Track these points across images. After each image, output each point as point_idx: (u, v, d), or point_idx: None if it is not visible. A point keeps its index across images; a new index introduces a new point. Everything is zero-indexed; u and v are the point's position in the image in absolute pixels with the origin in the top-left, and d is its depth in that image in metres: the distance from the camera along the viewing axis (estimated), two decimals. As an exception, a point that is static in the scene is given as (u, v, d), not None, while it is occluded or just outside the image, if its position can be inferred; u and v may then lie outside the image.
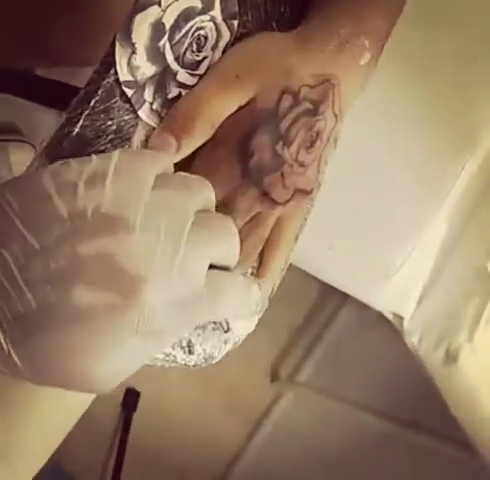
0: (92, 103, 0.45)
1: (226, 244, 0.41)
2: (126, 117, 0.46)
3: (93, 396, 0.74)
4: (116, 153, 0.38)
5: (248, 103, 0.48)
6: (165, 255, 0.36)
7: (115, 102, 0.45)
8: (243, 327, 0.50)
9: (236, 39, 0.50)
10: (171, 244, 0.36)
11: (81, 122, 0.44)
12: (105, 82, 0.45)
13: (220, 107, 0.48)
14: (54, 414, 0.64)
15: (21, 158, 1.18)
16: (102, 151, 0.45)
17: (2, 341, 0.35)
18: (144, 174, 0.38)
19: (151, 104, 0.47)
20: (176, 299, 0.37)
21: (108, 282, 0.35)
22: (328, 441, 1.62)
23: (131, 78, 0.45)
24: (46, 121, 1.17)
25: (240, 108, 0.48)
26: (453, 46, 0.93)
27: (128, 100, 0.46)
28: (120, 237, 0.35)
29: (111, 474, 1.40)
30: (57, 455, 0.66)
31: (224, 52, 0.50)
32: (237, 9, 0.49)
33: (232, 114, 0.48)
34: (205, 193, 0.41)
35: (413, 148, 0.95)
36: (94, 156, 0.38)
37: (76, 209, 0.36)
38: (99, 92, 0.45)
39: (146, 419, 1.44)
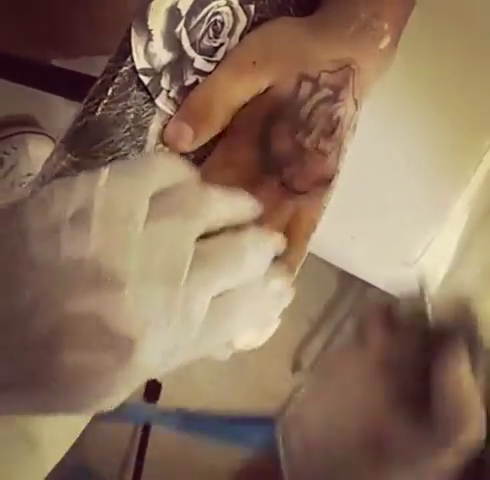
0: (109, 92, 0.44)
1: (232, 272, 0.37)
2: (143, 105, 0.46)
3: None
4: (105, 173, 0.34)
5: (266, 90, 0.47)
6: (161, 308, 0.33)
7: (132, 90, 0.45)
8: (248, 342, 0.46)
9: (253, 24, 0.49)
10: (169, 291, 0.33)
11: (99, 111, 0.44)
12: (122, 70, 0.44)
13: (237, 94, 0.47)
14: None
15: (39, 149, 1.19)
16: (121, 140, 0.45)
17: None
18: (136, 202, 0.33)
19: (168, 92, 0.46)
20: (174, 346, 0.34)
21: (99, 344, 0.32)
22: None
23: (148, 65, 0.44)
24: (64, 112, 1.17)
25: (258, 95, 0.47)
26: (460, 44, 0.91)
27: (145, 88, 0.45)
28: (110, 296, 0.31)
29: (133, 466, 1.40)
30: (79, 449, 0.66)
31: (241, 38, 0.49)
32: (254, -7, 0.48)
33: (250, 101, 0.47)
34: (209, 214, 0.37)
35: (433, 138, 0.93)
36: (80, 177, 0.34)
37: (54, 258, 0.32)
38: (116, 80, 0.44)
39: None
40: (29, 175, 1.17)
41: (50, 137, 1.18)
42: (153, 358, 0.33)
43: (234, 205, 0.40)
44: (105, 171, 0.34)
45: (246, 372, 1.49)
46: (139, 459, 1.41)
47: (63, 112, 1.16)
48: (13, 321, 0.31)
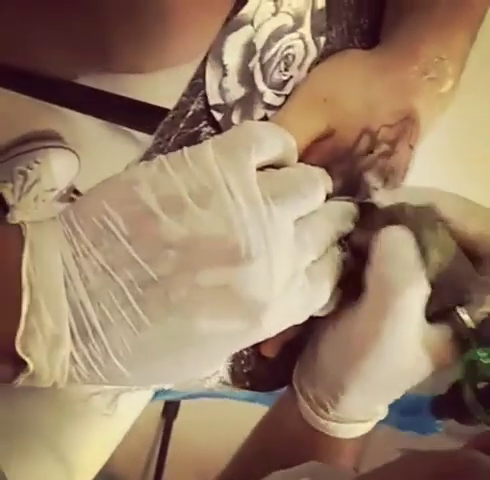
0: (180, 128, 0.42)
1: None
2: (212, 141, 0.44)
3: (143, 407, 0.73)
4: (209, 149, 0.36)
5: (328, 135, 0.47)
6: (281, 278, 0.35)
7: (203, 126, 0.43)
8: None
9: (321, 56, 0.48)
10: (284, 266, 0.36)
11: (169, 147, 0.42)
12: (194, 106, 0.43)
13: (306, 129, 0.46)
14: (101, 432, 0.63)
15: (62, 164, 1.17)
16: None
17: (117, 364, 0.34)
18: (249, 183, 0.35)
19: (237, 127, 0.45)
20: (288, 310, 0.37)
21: (230, 311, 0.34)
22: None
23: (221, 101, 0.43)
24: (88, 129, 1.15)
25: (318, 142, 0.46)
26: None
27: (216, 124, 0.44)
28: (238, 268, 0.34)
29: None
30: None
31: (309, 70, 0.48)
32: (325, 25, 0.46)
33: (310, 147, 0.46)
34: (319, 198, 0.39)
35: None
36: (185, 150, 0.36)
37: (186, 234, 0.34)
38: (187, 116, 0.43)
39: (186, 427, 1.43)
40: (52, 190, 1.16)
41: (73, 152, 1.17)
42: (274, 323, 0.36)
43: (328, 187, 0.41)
44: (209, 147, 0.35)
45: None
46: (158, 472, 1.39)
47: (86, 127, 1.15)
48: (153, 289, 0.33)
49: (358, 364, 0.41)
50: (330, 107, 0.46)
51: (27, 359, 0.33)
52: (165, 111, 0.46)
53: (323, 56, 0.48)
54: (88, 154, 1.18)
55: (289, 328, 0.38)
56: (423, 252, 0.40)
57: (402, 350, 0.40)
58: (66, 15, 0.73)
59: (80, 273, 0.34)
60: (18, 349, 0.33)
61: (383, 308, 0.40)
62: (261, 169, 0.37)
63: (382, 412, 0.46)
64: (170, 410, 1.45)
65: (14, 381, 0.34)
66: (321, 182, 0.39)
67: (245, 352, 0.52)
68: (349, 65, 0.47)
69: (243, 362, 0.53)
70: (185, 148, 0.36)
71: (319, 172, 0.40)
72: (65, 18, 0.73)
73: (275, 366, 0.54)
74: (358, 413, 0.45)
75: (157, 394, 0.96)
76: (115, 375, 0.35)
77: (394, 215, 0.42)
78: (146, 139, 1.03)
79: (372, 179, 0.44)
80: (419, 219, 0.41)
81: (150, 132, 0.46)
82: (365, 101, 0.47)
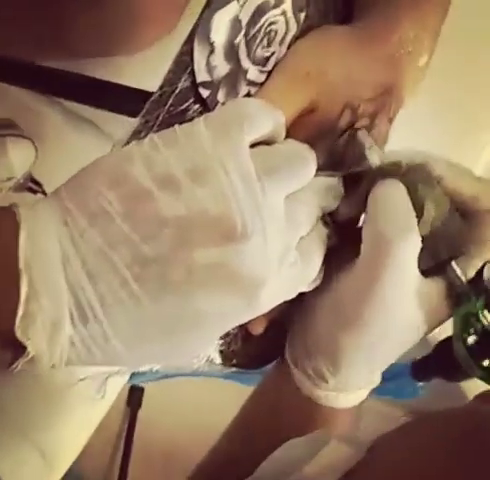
0: (168, 105, 0.42)
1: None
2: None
3: (114, 397, 0.73)
4: (202, 128, 0.35)
5: (311, 110, 0.47)
6: (275, 254, 0.36)
7: (190, 104, 0.43)
8: None
9: (301, 32, 0.48)
10: (278, 242, 0.36)
11: (157, 126, 0.42)
12: (181, 83, 0.42)
13: (289, 104, 0.46)
14: (84, 416, 0.63)
15: (20, 152, 1.15)
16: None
17: (116, 345, 0.34)
18: (243, 157, 0.35)
19: (223, 104, 0.45)
20: (281, 286, 0.38)
21: (228, 289, 0.34)
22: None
23: (208, 78, 0.43)
24: (47, 117, 1.13)
25: (301, 117, 0.47)
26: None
27: (202, 101, 0.43)
28: (236, 246, 0.34)
29: (118, 472, 1.38)
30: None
31: (289, 46, 0.48)
32: (305, 1, 0.47)
33: (293, 124, 0.46)
34: (310, 175, 0.39)
35: (433, 135, 0.94)
36: (181, 130, 0.35)
37: (181, 212, 0.34)
38: (175, 93, 0.42)
39: (151, 415, 1.43)
40: (9, 179, 1.13)
41: (30, 139, 1.14)
42: (268, 299, 0.36)
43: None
44: (202, 125, 0.35)
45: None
46: (124, 461, 1.39)
47: (45, 115, 1.13)
48: (150, 268, 0.33)
49: (356, 325, 0.42)
50: (313, 81, 0.46)
51: (27, 343, 0.32)
52: (140, 92, 0.45)
53: (302, 32, 0.48)
54: (47, 143, 1.15)
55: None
56: (418, 206, 0.41)
57: (399, 304, 0.41)
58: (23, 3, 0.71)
59: (77, 254, 0.33)
60: (18, 334, 0.32)
61: (377, 264, 0.40)
62: (252, 146, 0.38)
63: (377, 379, 0.47)
64: (134, 399, 1.44)
65: (13, 366, 0.34)
66: (311, 158, 0.39)
67: (231, 330, 0.53)
68: (329, 40, 0.48)
69: (229, 340, 0.53)
70: (177, 126, 0.36)
71: (307, 148, 0.41)
72: (23, 3, 0.71)
73: (261, 343, 0.54)
74: (357, 380, 0.46)
75: (132, 376, 0.96)
76: (114, 356, 0.35)
77: (388, 173, 0.42)
78: (110, 127, 1.02)
79: (366, 138, 0.44)
80: (414, 175, 0.42)
81: (130, 115, 0.46)
82: (346, 75, 0.47)
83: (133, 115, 0.44)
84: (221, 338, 0.52)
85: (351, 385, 0.46)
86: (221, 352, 0.53)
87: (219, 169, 0.34)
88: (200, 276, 0.34)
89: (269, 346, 0.54)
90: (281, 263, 0.36)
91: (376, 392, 0.48)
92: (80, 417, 0.63)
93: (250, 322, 0.51)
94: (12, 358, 0.33)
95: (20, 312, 0.32)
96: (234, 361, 0.54)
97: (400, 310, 0.41)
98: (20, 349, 0.33)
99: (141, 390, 1.44)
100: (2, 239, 0.33)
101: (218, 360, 0.53)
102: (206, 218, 0.34)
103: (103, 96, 0.73)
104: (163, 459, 1.42)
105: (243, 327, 0.52)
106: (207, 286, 0.34)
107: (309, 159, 0.39)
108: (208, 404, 1.44)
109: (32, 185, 1.17)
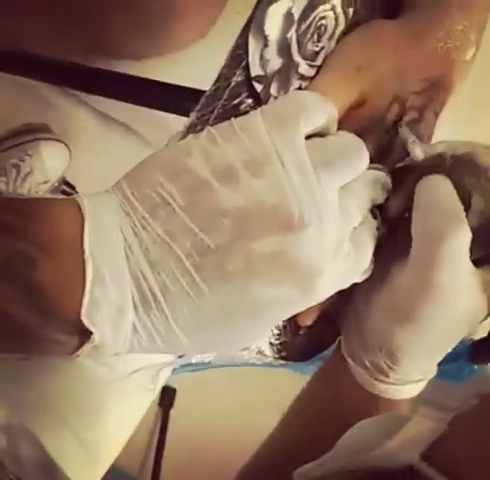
0: (223, 99, 0.43)
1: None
2: (252, 113, 0.45)
3: (154, 396, 0.74)
4: (259, 120, 0.36)
5: (360, 103, 0.48)
6: (331, 244, 0.36)
7: (244, 98, 0.44)
8: None
9: (348, 27, 0.49)
10: (333, 232, 0.36)
11: (212, 120, 0.43)
12: (236, 78, 0.43)
13: (340, 98, 0.47)
14: (125, 414, 0.64)
15: (54, 156, 1.16)
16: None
17: (177, 332, 0.35)
18: (299, 151, 0.35)
19: (276, 98, 0.45)
20: (336, 276, 0.38)
21: (285, 278, 0.35)
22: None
23: (262, 72, 0.44)
24: (80, 120, 1.15)
25: (350, 110, 0.47)
26: None
27: (256, 95, 0.44)
28: (293, 235, 0.34)
29: (151, 471, 1.39)
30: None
31: (337, 41, 0.49)
32: (354, -4, 0.48)
33: (343, 117, 0.47)
34: (362, 167, 0.39)
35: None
36: (234, 121, 0.36)
37: (240, 203, 0.34)
38: (229, 88, 0.43)
39: (184, 416, 1.43)
40: (45, 182, 1.15)
41: (63, 143, 1.16)
42: (325, 287, 0.37)
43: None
44: (258, 117, 0.36)
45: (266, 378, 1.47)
46: (157, 461, 1.39)
47: (78, 118, 1.14)
48: (210, 258, 0.34)
49: (414, 320, 0.42)
50: (363, 76, 0.47)
51: (93, 329, 0.33)
52: (188, 90, 0.46)
53: (349, 27, 0.49)
54: (79, 145, 1.17)
55: None
56: (465, 198, 0.41)
57: (455, 296, 0.41)
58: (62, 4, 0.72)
59: (140, 244, 0.34)
60: (84, 320, 0.33)
61: (430, 257, 0.41)
62: (307, 138, 0.38)
63: (435, 368, 0.47)
64: (167, 399, 1.45)
65: (77, 352, 0.35)
66: (364, 150, 0.40)
67: (281, 322, 0.53)
68: (378, 34, 0.48)
69: (279, 332, 0.54)
70: (233, 119, 0.37)
71: (359, 140, 0.41)
72: (56, 4, 0.72)
73: (310, 335, 0.55)
74: (417, 372, 0.46)
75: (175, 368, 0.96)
76: (174, 343, 0.36)
77: (433, 166, 0.42)
78: (142, 129, 1.03)
79: (409, 134, 0.45)
80: (460, 167, 0.42)
81: (180, 113, 0.46)
82: (395, 69, 0.48)
83: (183, 113, 0.45)
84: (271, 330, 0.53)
85: (411, 378, 0.46)
86: (271, 344, 0.53)
87: (276, 161, 0.35)
88: (258, 266, 0.34)
89: (317, 338, 0.54)
90: (336, 253, 0.37)
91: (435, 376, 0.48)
92: (126, 410, 0.63)
93: (301, 313, 0.52)
94: (77, 345, 0.34)
95: (86, 299, 0.33)
96: (283, 353, 0.54)
97: (456, 302, 0.41)
98: (85, 335, 0.34)
99: (173, 390, 1.45)
100: (67, 229, 0.34)
101: (268, 352, 0.53)
102: (264, 209, 0.34)
103: (151, 95, 0.74)
104: (195, 458, 1.43)
105: (292, 319, 0.52)
106: (265, 276, 0.34)
107: (362, 151, 0.40)
108: (239, 405, 1.44)
109: (66, 188, 1.19)
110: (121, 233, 0.34)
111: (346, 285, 0.41)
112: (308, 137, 0.38)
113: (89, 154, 1.18)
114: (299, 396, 0.54)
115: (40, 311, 0.33)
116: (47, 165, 1.14)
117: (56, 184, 1.18)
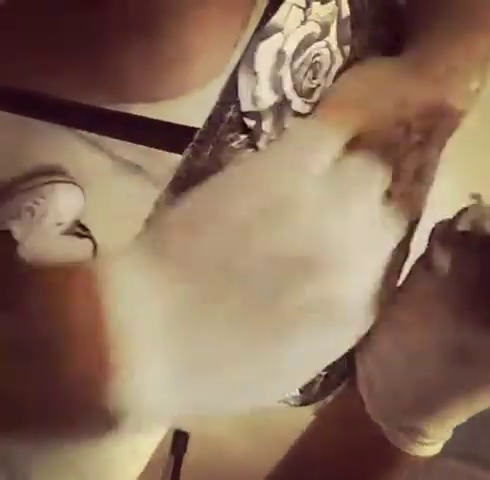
0: (217, 136, 0.43)
1: None
2: (245, 149, 0.44)
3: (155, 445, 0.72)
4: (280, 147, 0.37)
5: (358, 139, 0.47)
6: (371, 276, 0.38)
7: (237, 134, 0.44)
8: None
9: (346, 65, 0.49)
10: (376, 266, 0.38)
11: (207, 156, 0.43)
12: (228, 114, 0.43)
13: (341, 136, 0.46)
14: (135, 447, 0.63)
15: (68, 198, 1.17)
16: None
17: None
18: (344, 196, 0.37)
19: (269, 135, 0.45)
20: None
21: (331, 320, 0.36)
22: None
23: (253, 108, 0.43)
24: (92, 162, 1.16)
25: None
26: None
27: (248, 131, 0.44)
28: (338, 280, 0.35)
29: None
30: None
31: (334, 80, 0.48)
32: (350, 34, 0.47)
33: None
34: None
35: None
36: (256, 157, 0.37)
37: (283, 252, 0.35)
38: (222, 124, 0.43)
39: (196, 460, 1.41)
40: (59, 224, 1.16)
41: (78, 185, 1.17)
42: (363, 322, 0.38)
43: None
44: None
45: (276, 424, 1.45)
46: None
47: (90, 159, 1.16)
48: (261, 302, 0.34)
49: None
50: (362, 110, 0.46)
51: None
52: (188, 130, 0.46)
53: (347, 65, 0.49)
54: (93, 187, 1.18)
55: None
56: None
57: None
58: (72, 42, 0.73)
59: (172, 312, 0.32)
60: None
61: None
62: None
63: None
64: (179, 443, 1.42)
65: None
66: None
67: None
68: (376, 69, 0.48)
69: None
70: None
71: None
72: (70, 45, 0.73)
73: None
74: (447, 433, 0.44)
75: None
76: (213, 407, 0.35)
77: None
78: (153, 169, 1.03)
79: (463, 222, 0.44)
80: None
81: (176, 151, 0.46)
82: (396, 100, 0.47)
83: (179, 151, 0.45)
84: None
85: (443, 437, 0.44)
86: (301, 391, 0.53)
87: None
88: (307, 308, 0.35)
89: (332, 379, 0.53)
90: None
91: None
92: (131, 447, 0.62)
93: None
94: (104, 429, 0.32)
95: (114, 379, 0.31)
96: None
97: None
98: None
99: (185, 435, 1.42)
100: (94, 304, 0.31)
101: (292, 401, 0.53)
102: (300, 256, 0.35)
103: (149, 134, 0.74)
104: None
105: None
106: (314, 318, 0.35)
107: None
108: (254, 451, 1.41)
109: (79, 230, 1.19)
110: (148, 300, 0.33)
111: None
112: None
113: (103, 196, 1.19)
114: (300, 438, 0.51)
115: None
116: (61, 208, 1.15)
117: (69, 226, 1.19)
